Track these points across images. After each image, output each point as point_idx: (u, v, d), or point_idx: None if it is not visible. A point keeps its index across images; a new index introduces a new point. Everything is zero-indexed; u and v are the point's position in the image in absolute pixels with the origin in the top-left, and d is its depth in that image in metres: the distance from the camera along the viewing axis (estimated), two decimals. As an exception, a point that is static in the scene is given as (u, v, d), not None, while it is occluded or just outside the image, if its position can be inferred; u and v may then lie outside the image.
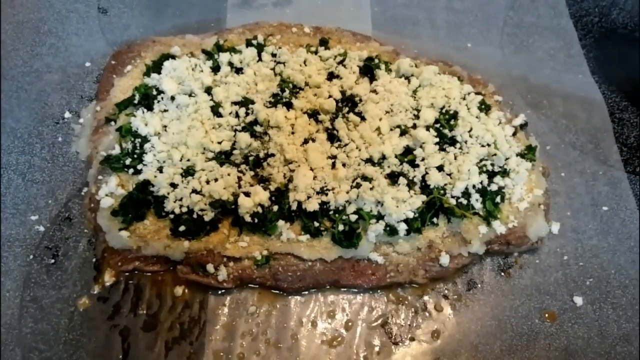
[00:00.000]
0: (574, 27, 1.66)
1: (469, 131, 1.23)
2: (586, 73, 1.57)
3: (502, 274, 1.20)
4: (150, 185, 1.09)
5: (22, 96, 1.26)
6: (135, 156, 1.12)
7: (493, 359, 1.10)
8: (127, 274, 1.08)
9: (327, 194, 1.12)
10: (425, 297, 1.16)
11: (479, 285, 1.18)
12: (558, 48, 1.61)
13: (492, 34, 1.60)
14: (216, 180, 1.10)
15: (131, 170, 1.12)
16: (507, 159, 1.22)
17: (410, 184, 1.16)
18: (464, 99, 1.29)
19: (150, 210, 1.09)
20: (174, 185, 1.09)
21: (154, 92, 1.20)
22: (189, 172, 1.10)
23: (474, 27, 1.60)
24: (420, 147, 1.19)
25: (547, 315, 1.16)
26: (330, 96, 1.24)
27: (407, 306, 1.14)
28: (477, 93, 1.33)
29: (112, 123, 1.19)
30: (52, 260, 1.08)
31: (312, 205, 1.10)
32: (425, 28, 1.57)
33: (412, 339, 1.10)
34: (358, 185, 1.13)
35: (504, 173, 1.20)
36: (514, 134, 1.29)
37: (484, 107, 1.30)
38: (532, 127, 1.39)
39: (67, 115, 1.25)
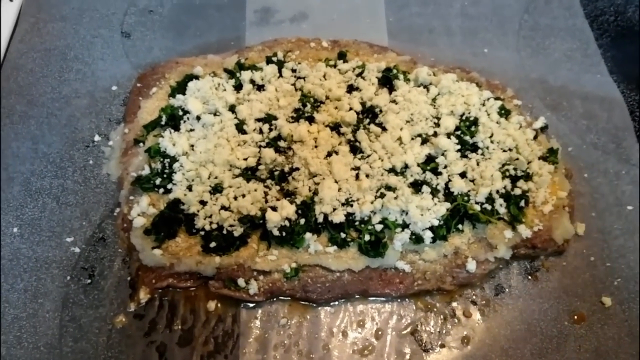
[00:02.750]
0: (590, 27, 1.66)
1: (490, 137, 1.24)
2: (604, 72, 1.57)
3: (530, 277, 1.21)
4: (181, 203, 1.12)
5: (52, 122, 1.30)
6: (164, 176, 1.16)
7: (524, 363, 1.10)
8: (161, 290, 1.11)
9: (352, 205, 1.14)
10: (454, 304, 1.17)
11: (507, 290, 1.19)
12: (575, 49, 1.61)
13: (508, 38, 1.61)
14: (243, 196, 1.12)
15: (161, 190, 1.15)
16: (529, 162, 1.22)
17: (434, 192, 1.17)
18: (484, 104, 1.31)
19: (181, 227, 1.11)
20: (203, 203, 1.12)
21: (180, 113, 1.24)
22: (217, 189, 1.13)
23: (490, 32, 1.61)
24: (442, 154, 1.21)
25: (576, 317, 1.16)
26: (350, 108, 1.26)
27: (436, 313, 1.15)
28: (497, 98, 1.34)
29: (141, 144, 1.23)
30: (89, 280, 1.11)
31: (338, 217, 1.12)
32: (441, 35, 1.59)
33: (442, 346, 1.11)
34: (382, 195, 1.15)
35: (527, 177, 1.21)
36: (535, 137, 1.30)
37: (504, 112, 1.31)
38: (553, 129, 1.39)
39: (96, 138, 1.29)
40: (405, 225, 1.14)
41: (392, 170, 1.19)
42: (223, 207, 1.11)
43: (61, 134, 1.29)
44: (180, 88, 1.29)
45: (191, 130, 1.22)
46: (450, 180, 1.18)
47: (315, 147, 1.20)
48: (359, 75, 1.34)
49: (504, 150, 1.23)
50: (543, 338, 1.13)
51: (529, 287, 1.19)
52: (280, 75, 1.33)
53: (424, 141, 1.24)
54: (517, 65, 1.55)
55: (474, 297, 1.18)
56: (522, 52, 1.58)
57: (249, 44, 1.47)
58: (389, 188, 1.16)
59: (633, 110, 1.50)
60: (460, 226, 1.16)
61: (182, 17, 1.54)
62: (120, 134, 1.28)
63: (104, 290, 1.10)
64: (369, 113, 1.28)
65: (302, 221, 1.12)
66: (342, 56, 1.39)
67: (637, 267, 1.22)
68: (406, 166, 1.19)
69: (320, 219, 1.12)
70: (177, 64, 1.37)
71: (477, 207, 1.16)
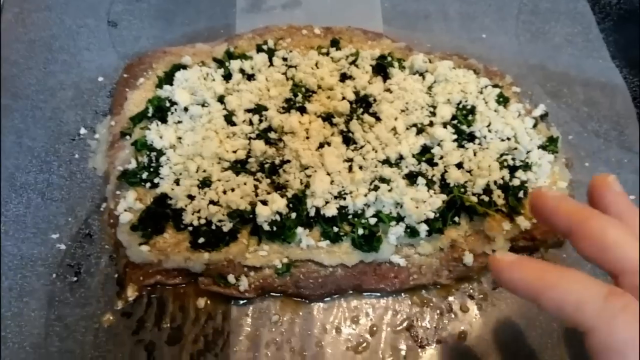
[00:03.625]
0: (592, 10, 1.61)
1: (488, 126, 1.20)
2: (606, 58, 1.52)
3: (529, 270, 1.17)
4: (168, 198, 1.09)
5: (37, 115, 1.26)
6: (151, 170, 1.12)
7: (524, 357, 1.08)
8: (149, 288, 1.08)
9: (345, 198, 1.10)
10: (450, 298, 1.14)
11: (505, 284, 1.16)
12: (576, 33, 1.56)
13: (507, 22, 1.56)
14: (233, 190, 1.09)
15: (148, 184, 1.12)
16: (528, 152, 1.18)
17: (430, 184, 1.14)
18: (481, 92, 1.26)
19: (169, 223, 1.08)
20: (191, 197, 1.08)
21: (167, 104, 1.20)
22: (205, 183, 1.10)
23: (488, 16, 1.57)
24: (438, 145, 1.17)
25: (577, 310, 1.13)
26: (343, 98, 1.22)
27: (432, 308, 1.12)
28: (495, 85, 1.30)
29: (128, 137, 1.19)
30: (75, 278, 1.08)
31: (331, 210, 1.08)
32: (438, 21, 1.54)
33: (438, 342, 1.08)
34: (376, 188, 1.12)
35: (526, 167, 1.17)
36: (535, 126, 1.26)
37: (502, 100, 1.27)
38: (553, 117, 1.35)
39: (82, 131, 1.25)
40: (400, 218, 1.11)
41: (386, 162, 1.15)
42: (212, 202, 1.07)
43: (46, 127, 1.25)
44: (167, 78, 1.25)
45: (179, 122, 1.18)
46: (446, 171, 1.14)
47: (307, 138, 1.16)
48: (352, 63, 1.30)
49: (502, 140, 1.19)
50: (543, 333, 1.10)
51: (528, 280, 1.16)
52: (271, 64, 1.28)
53: (420, 131, 1.20)
54: (516, 50, 1.50)
55: (472, 291, 1.15)
56: (522, 37, 1.54)
57: (239, 32, 1.42)
58: (383, 180, 1.13)
59: (636, 96, 1.45)
60: (456, 218, 1.13)
61: (171, 5, 1.49)
62: (107, 126, 1.24)
63: (90, 288, 1.07)
64: (363, 102, 1.24)
65: (294, 215, 1.09)
66: (335, 43, 1.35)
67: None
68: (401, 157, 1.15)
69: (312, 212, 1.09)
70: (165, 53, 1.33)
71: (475, 199, 1.12)
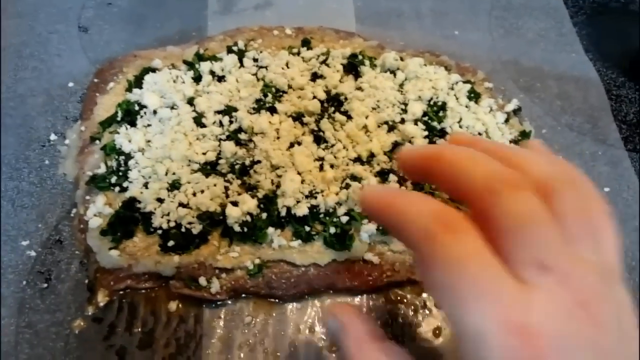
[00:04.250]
0: (565, 4, 1.62)
1: (459, 122, 1.20)
2: (579, 51, 1.53)
3: (503, 265, 1.17)
4: (137, 202, 1.08)
5: (7, 122, 1.25)
6: (120, 174, 1.11)
7: (498, 353, 1.07)
8: (120, 292, 1.07)
9: (316, 197, 1.10)
10: (424, 295, 1.13)
11: (480, 279, 1.15)
12: (549, 28, 1.57)
13: (479, 19, 1.57)
14: (202, 192, 1.08)
15: (117, 188, 1.11)
16: (499, 147, 1.18)
17: (402, 181, 1.14)
18: (452, 89, 1.27)
19: (138, 227, 1.07)
20: (160, 200, 1.08)
21: (137, 108, 1.19)
22: (174, 185, 1.09)
23: (461, 13, 1.57)
24: (409, 142, 1.17)
25: (552, 304, 1.13)
26: (314, 97, 1.22)
27: (407, 305, 1.12)
28: (466, 82, 1.30)
29: (97, 142, 1.19)
30: (45, 285, 1.07)
31: (302, 210, 1.08)
32: (411, 19, 1.54)
33: (413, 339, 1.08)
34: (347, 186, 1.11)
35: (498, 162, 1.17)
36: (507, 121, 1.26)
37: (474, 96, 1.27)
38: (527, 112, 1.36)
39: (52, 137, 1.25)
40: (372, 216, 1.10)
41: (357, 160, 1.15)
42: (181, 204, 1.07)
43: (16, 135, 1.24)
44: (137, 82, 1.24)
45: (148, 125, 1.17)
46: (417, 168, 1.14)
47: (277, 138, 1.16)
48: (323, 62, 1.29)
49: (474, 135, 1.19)
50: (517, 327, 1.10)
51: (502, 275, 1.16)
52: (242, 65, 1.28)
53: (391, 128, 1.20)
54: (489, 47, 1.51)
55: (446, 287, 1.14)
56: (495, 33, 1.54)
57: (211, 34, 1.42)
58: (354, 178, 1.12)
59: (610, 89, 1.46)
60: (429, 215, 1.12)
61: (142, 9, 1.49)
62: (77, 132, 1.23)
63: (61, 294, 1.06)
64: (334, 101, 1.24)
65: (264, 216, 1.08)
66: (306, 43, 1.35)
67: (613, 250, 1.19)
68: (372, 155, 1.15)
69: (283, 212, 1.09)
70: (136, 57, 1.33)
71: (446, 195, 1.11)
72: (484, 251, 0.56)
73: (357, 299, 1.12)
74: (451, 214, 0.58)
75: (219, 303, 1.08)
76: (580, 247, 0.58)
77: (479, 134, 1.19)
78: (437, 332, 1.09)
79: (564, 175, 0.63)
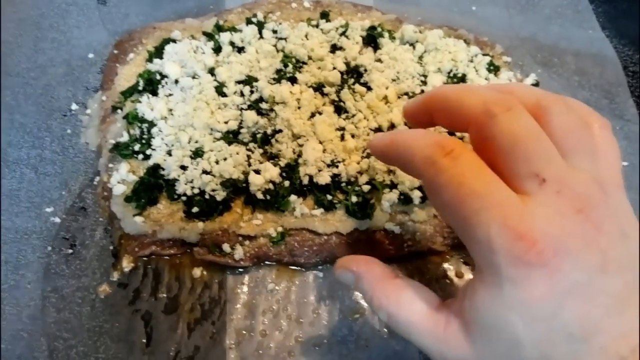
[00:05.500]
0: (581, -19, 1.61)
1: (479, 93, 1.21)
2: (596, 28, 1.53)
3: (522, 235, 1.18)
4: (161, 169, 1.09)
5: (28, 91, 1.26)
6: (143, 141, 1.12)
7: (517, 320, 1.08)
8: (144, 258, 1.08)
9: (337, 166, 1.11)
10: (445, 265, 1.14)
11: (499, 249, 1.16)
12: (566, 4, 1.57)
13: (497, -6, 1.56)
14: (225, 159, 1.09)
15: (140, 156, 1.11)
16: (519, 118, 1.19)
17: (421, 150, 1.14)
18: (472, 61, 1.27)
19: (162, 194, 1.08)
20: (184, 168, 1.08)
21: (158, 77, 1.20)
22: (197, 153, 1.10)
23: (478, -12, 1.57)
24: (430, 112, 1.17)
25: (570, 272, 1.14)
26: (334, 68, 1.22)
27: (427, 274, 1.13)
28: (485, 55, 1.30)
29: (119, 111, 1.19)
30: (70, 250, 1.08)
31: (324, 179, 1.09)
32: (428, -6, 1.54)
33: (434, 306, 1.09)
34: (369, 155, 1.12)
35: (517, 133, 1.18)
36: (525, 94, 1.27)
37: (493, 68, 1.27)
38: (544, 86, 1.36)
39: (74, 107, 1.25)
40: (393, 186, 1.11)
41: (378, 130, 1.16)
42: (204, 172, 1.07)
43: (37, 104, 1.25)
44: (157, 52, 1.25)
45: (170, 94, 1.18)
46: (438, 138, 1.14)
47: (298, 108, 1.16)
48: (343, 34, 1.30)
49: (493, 107, 1.19)
50: (536, 296, 1.11)
51: (521, 245, 1.17)
52: (261, 37, 1.28)
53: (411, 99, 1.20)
54: (507, 22, 1.50)
55: (466, 257, 1.15)
56: (512, 9, 1.54)
57: (229, 6, 1.42)
58: (375, 148, 1.13)
59: (627, 65, 1.46)
60: (450, 185, 1.13)
61: (160, -18, 1.49)
62: (98, 101, 1.24)
63: (86, 260, 1.07)
64: (353, 73, 1.24)
65: (287, 184, 1.09)
66: (324, 16, 1.34)
67: (631, 222, 1.19)
68: (392, 125, 1.16)
69: (305, 181, 1.09)
70: (155, 29, 1.33)
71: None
72: (483, 168, 0.61)
73: (377, 268, 1.13)
74: (450, 141, 0.63)
75: (242, 270, 1.10)
76: (576, 158, 0.62)
77: (499, 105, 1.20)
78: (457, 300, 1.10)
79: (554, 96, 0.68)
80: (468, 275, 1.13)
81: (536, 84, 1.31)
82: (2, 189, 1.14)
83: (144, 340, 1.01)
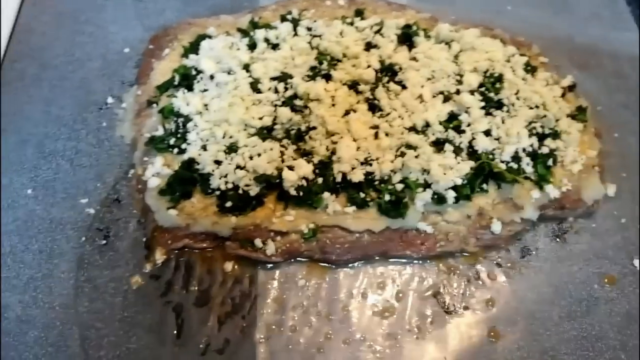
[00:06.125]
0: (618, -17, 1.58)
1: (516, 93, 1.19)
2: (633, 30, 1.50)
3: (557, 239, 1.16)
4: (195, 163, 1.09)
5: (65, 84, 1.28)
6: (178, 136, 1.13)
7: (552, 325, 1.06)
8: (177, 251, 1.09)
9: (371, 164, 1.10)
10: (478, 266, 1.13)
11: (534, 252, 1.14)
12: (602, 6, 1.54)
13: (532, -5, 1.54)
14: (259, 155, 1.09)
15: (176, 150, 1.12)
16: (557, 120, 1.17)
17: (457, 151, 1.13)
18: (508, 61, 1.25)
19: (196, 188, 1.09)
20: (218, 162, 1.09)
21: (193, 73, 1.21)
22: (232, 148, 1.10)
23: (514, -12, 1.55)
24: (466, 112, 1.16)
25: (606, 279, 1.11)
26: (369, 66, 1.22)
27: (459, 275, 1.11)
28: (522, 55, 1.29)
29: (154, 105, 1.20)
30: (104, 242, 1.09)
31: (357, 176, 1.08)
32: (463, -7, 1.53)
33: (466, 308, 1.08)
34: (402, 154, 1.11)
35: (555, 135, 1.16)
36: (563, 95, 1.24)
37: (530, 69, 1.25)
38: (581, 88, 1.33)
39: (109, 100, 1.27)
40: (427, 185, 1.10)
41: (412, 129, 1.14)
42: (238, 167, 1.08)
43: (74, 97, 1.27)
44: (193, 48, 1.26)
45: (205, 90, 1.18)
46: (474, 139, 1.13)
47: (333, 105, 1.16)
48: (377, 32, 1.29)
49: (531, 108, 1.18)
50: (572, 301, 1.09)
51: (556, 250, 1.15)
52: (296, 34, 1.28)
53: (446, 99, 1.19)
54: (543, 22, 1.48)
55: (499, 259, 1.14)
56: (547, 9, 1.52)
57: (263, 3, 1.43)
58: (409, 147, 1.12)
59: (664, 68, 1.43)
60: (484, 186, 1.12)
61: (194, -21, 1.50)
62: (133, 95, 1.25)
63: (119, 251, 1.08)
64: (388, 71, 1.23)
65: (320, 181, 1.09)
66: (359, 14, 1.34)
67: (670, 228, 1.17)
68: (427, 124, 1.14)
69: (339, 178, 1.09)
70: (190, 25, 1.34)
71: (503, 166, 1.11)
72: None
73: (409, 267, 1.12)
74: None
75: (273, 265, 1.09)
76: None
77: (536, 106, 1.18)
78: (490, 303, 1.08)
79: None
80: (501, 278, 1.11)
81: (573, 86, 1.29)
82: (38, 179, 1.16)
83: (175, 332, 1.01)
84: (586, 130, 1.21)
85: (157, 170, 1.10)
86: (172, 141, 1.13)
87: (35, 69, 1.30)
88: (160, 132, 1.14)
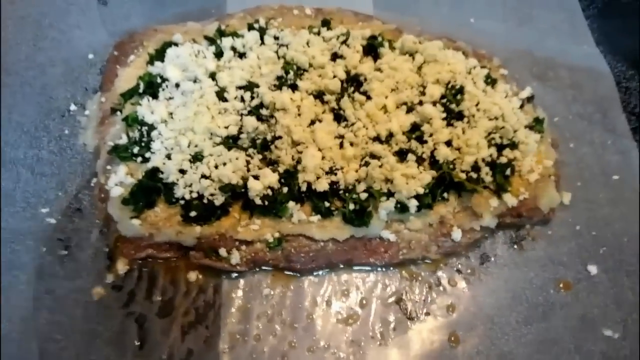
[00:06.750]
0: (577, -2, 1.64)
1: (476, 105, 1.22)
2: (591, 44, 1.55)
3: (515, 246, 1.20)
4: (160, 172, 1.09)
5: (26, 90, 1.25)
6: (142, 144, 1.12)
7: (510, 330, 1.10)
8: (140, 261, 1.08)
9: (336, 174, 1.12)
10: (439, 273, 1.16)
11: (492, 259, 1.18)
12: (562, 20, 1.59)
13: (494, 8, 1.58)
14: (225, 164, 1.09)
15: (139, 159, 1.11)
16: (515, 131, 1.21)
17: (419, 160, 1.15)
18: (470, 73, 1.28)
19: (160, 197, 1.08)
20: (183, 172, 1.08)
21: (158, 80, 1.20)
22: (197, 157, 1.10)
23: (477, 1, 1.58)
24: (428, 122, 1.18)
25: (562, 285, 1.15)
26: (334, 76, 1.23)
27: (421, 282, 1.14)
28: (483, 67, 1.32)
29: (118, 113, 1.19)
30: (65, 252, 1.08)
31: (322, 186, 1.10)
32: (428, 5, 1.56)
33: (427, 314, 1.10)
34: (367, 164, 1.13)
35: (513, 145, 1.19)
36: (521, 107, 1.28)
37: (490, 81, 1.29)
38: (539, 100, 1.38)
39: (72, 107, 1.25)
40: (390, 194, 1.12)
41: (376, 139, 1.16)
42: (203, 176, 1.08)
43: (36, 103, 1.24)
44: (158, 55, 1.25)
45: (170, 98, 1.18)
46: (435, 149, 1.15)
47: (298, 115, 1.17)
48: (343, 42, 1.30)
49: (490, 119, 1.21)
50: (529, 306, 1.12)
51: (514, 256, 1.19)
52: (262, 43, 1.29)
53: (409, 109, 1.21)
54: (504, 35, 1.52)
55: (459, 266, 1.17)
56: (509, 22, 1.56)
57: (231, 11, 1.43)
58: (373, 156, 1.14)
59: (619, 81, 1.49)
60: (445, 195, 1.15)
61: (161, -16, 1.49)
62: (97, 102, 1.24)
63: (80, 262, 1.07)
64: (354, 81, 1.25)
65: (285, 190, 1.09)
66: (325, 24, 1.35)
67: (622, 235, 1.21)
68: (391, 134, 1.17)
69: (304, 187, 1.10)
70: (156, 31, 1.33)
71: (463, 176, 1.14)
72: None
73: (372, 275, 1.14)
74: None
75: (238, 274, 1.10)
76: None
77: (495, 118, 1.21)
78: (451, 309, 1.11)
79: None
80: (461, 284, 1.14)
81: (531, 97, 1.33)
82: (-2, 188, 1.14)
83: (137, 343, 1.01)
84: (543, 141, 1.25)
85: (120, 179, 1.09)
86: (136, 150, 1.12)
87: (-5, 75, 1.27)
88: (124, 140, 1.13)
